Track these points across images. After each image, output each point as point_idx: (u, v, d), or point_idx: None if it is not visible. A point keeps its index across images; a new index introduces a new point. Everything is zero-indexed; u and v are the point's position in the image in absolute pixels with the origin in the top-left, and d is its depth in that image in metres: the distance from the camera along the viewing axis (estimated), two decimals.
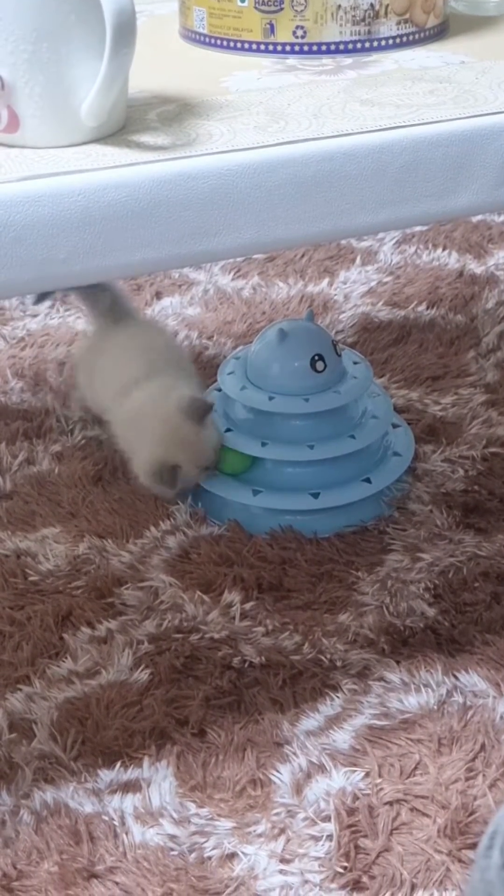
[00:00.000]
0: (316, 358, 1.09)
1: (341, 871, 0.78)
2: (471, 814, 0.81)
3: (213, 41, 0.85)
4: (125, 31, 0.62)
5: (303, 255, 1.62)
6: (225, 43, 0.84)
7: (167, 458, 1.07)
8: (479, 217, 1.69)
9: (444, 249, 1.63)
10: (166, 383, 1.12)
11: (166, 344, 1.22)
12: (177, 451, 1.08)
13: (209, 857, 0.79)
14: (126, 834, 0.81)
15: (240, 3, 0.82)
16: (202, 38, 0.85)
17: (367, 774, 0.85)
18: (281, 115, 0.71)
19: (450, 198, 0.72)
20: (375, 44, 0.83)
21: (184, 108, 0.73)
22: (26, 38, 0.62)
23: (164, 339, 1.23)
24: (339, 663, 0.95)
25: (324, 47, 0.82)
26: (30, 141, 0.66)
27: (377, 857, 0.79)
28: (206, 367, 1.35)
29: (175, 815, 0.82)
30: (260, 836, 0.81)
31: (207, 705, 0.91)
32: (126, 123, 0.70)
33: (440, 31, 0.87)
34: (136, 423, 1.11)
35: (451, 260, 1.61)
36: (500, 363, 1.35)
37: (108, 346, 1.19)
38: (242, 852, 0.80)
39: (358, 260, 1.61)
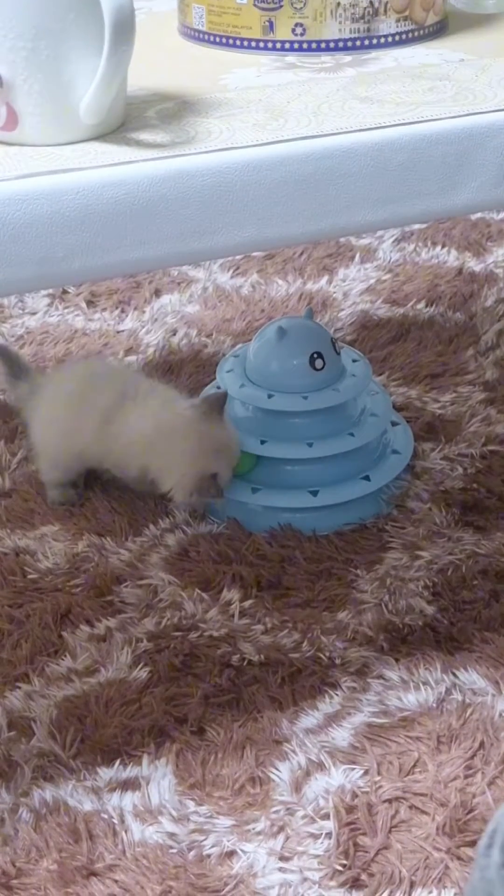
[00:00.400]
0: (315, 356, 1.09)
1: (340, 868, 0.78)
2: (469, 811, 0.81)
3: (212, 38, 0.84)
4: (124, 28, 0.62)
5: (302, 253, 1.62)
6: (224, 40, 0.84)
7: (206, 469, 1.04)
8: (479, 215, 1.69)
9: (443, 247, 1.63)
10: (158, 399, 1.09)
11: (113, 371, 1.19)
12: (213, 458, 1.05)
13: (208, 855, 0.80)
14: (125, 832, 0.81)
15: (239, 1, 0.82)
16: (201, 36, 0.85)
17: (366, 772, 0.85)
18: (280, 112, 0.71)
19: (449, 195, 0.72)
20: (375, 41, 0.83)
21: (183, 105, 0.73)
22: (25, 35, 0.62)
23: (105, 369, 1.20)
24: (338, 661, 0.95)
25: (323, 45, 0.82)
26: (28, 138, 0.66)
27: (376, 854, 0.79)
28: (204, 365, 1.35)
29: (174, 813, 0.82)
30: (259, 833, 0.81)
31: (206, 703, 0.91)
32: (125, 121, 0.70)
33: (439, 29, 0.87)
34: (154, 448, 1.07)
35: (450, 258, 1.61)
36: (498, 361, 1.35)
37: (56, 396, 1.13)
38: (241, 850, 0.80)
39: (357, 257, 1.61)
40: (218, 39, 0.84)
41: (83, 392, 1.11)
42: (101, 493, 1.15)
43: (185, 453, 1.06)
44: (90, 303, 1.52)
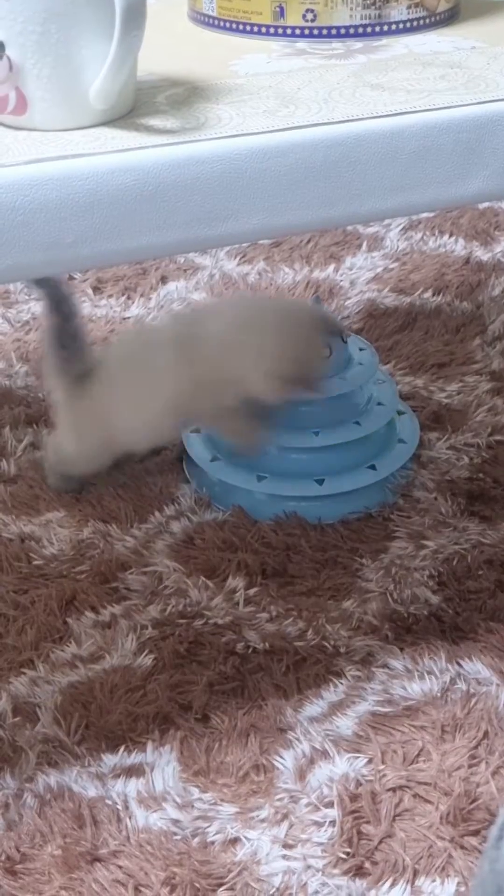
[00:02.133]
0: None
1: (344, 856, 0.78)
2: (473, 801, 0.81)
3: (222, 24, 0.84)
4: (135, 13, 0.61)
5: (309, 241, 1.61)
6: (234, 26, 0.83)
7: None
8: (486, 204, 1.68)
9: (450, 236, 1.62)
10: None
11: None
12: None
13: (212, 842, 0.80)
14: (129, 818, 0.81)
15: None
16: (211, 21, 0.85)
17: (370, 761, 0.85)
18: (290, 99, 0.71)
19: (460, 184, 0.72)
20: (386, 28, 0.82)
21: (192, 91, 0.72)
22: (35, 18, 0.62)
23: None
24: (342, 650, 0.95)
25: (334, 31, 0.81)
26: (38, 123, 0.65)
27: (380, 843, 0.79)
28: None
29: (178, 800, 0.82)
30: (263, 821, 0.81)
31: (211, 691, 0.91)
32: (135, 106, 0.69)
33: (451, 16, 0.86)
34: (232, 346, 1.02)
35: (457, 247, 1.60)
36: None
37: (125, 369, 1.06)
38: (245, 837, 0.80)
39: (364, 246, 1.60)
40: (228, 25, 0.84)
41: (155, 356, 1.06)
42: (106, 479, 1.15)
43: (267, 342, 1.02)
44: (96, 289, 1.52)
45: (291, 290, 1.50)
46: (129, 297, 1.50)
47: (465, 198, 0.73)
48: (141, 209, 0.64)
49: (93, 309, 1.48)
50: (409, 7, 0.82)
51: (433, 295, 1.47)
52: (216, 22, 0.84)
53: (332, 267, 1.55)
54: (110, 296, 1.50)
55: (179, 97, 0.71)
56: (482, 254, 1.58)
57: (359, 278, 1.53)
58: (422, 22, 0.84)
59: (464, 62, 0.77)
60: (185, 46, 0.82)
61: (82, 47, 0.63)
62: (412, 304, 1.46)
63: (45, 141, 0.64)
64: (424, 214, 1.65)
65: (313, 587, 1.02)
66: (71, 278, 1.54)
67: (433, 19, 0.84)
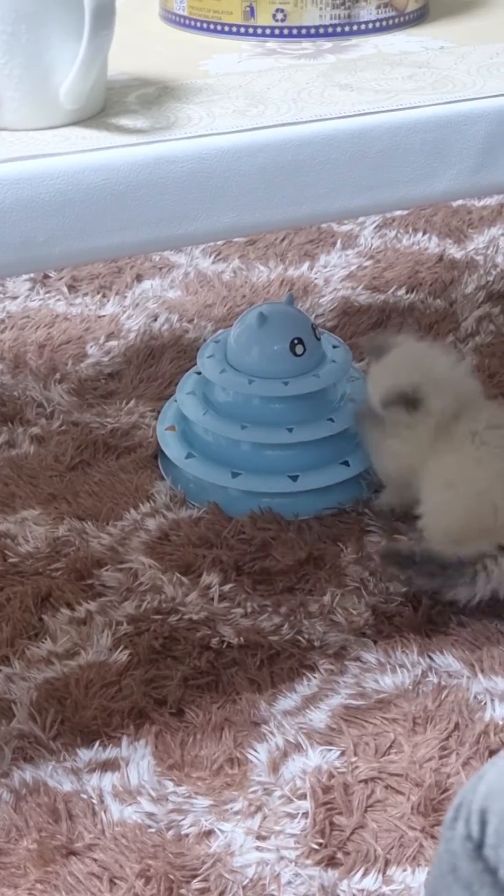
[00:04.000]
0: (295, 341, 1.10)
1: (316, 847, 0.79)
2: (444, 791, 0.82)
3: (193, 23, 0.85)
4: (104, 13, 0.62)
5: (283, 239, 1.62)
6: (205, 25, 0.84)
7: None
8: (460, 202, 1.70)
9: (424, 234, 1.64)
10: None
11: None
12: None
13: (186, 835, 0.80)
14: (104, 812, 0.82)
15: None
16: (182, 21, 0.85)
17: (343, 753, 0.86)
18: (260, 99, 0.72)
19: (428, 183, 0.73)
20: (355, 28, 0.83)
21: (163, 90, 0.73)
22: (5, 18, 0.62)
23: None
24: (316, 643, 0.96)
25: (304, 31, 0.82)
26: (8, 123, 0.66)
27: (352, 833, 0.80)
28: (186, 351, 1.36)
29: (153, 793, 0.83)
30: (237, 813, 0.82)
31: (185, 685, 0.92)
32: (105, 106, 0.70)
33: (420, 15, 0.87)
34: None
35: (431, 244, 1.61)
36: (478, 348, 1.36)
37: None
38: (219, 829, 0.81)
39: (338, 244, 1.61)
40: (199, 24, 0.84)
41: None
42: (81, 477, 1.16)
43: None
44: (71, 287, 1.52)
45: (266, 288, 1.51)
46: (104, 296, 1.50)
47: (433, 196, 0.74)
48: (112, 208, 0.65)
49: (68, 307, 1.48)
50: (377, 7, 0.83)
51: (407, 292, 1.49)
52: (187, 21, 0.85)
53: (306, 265, 1.56)
54: (86, 294, 1.51)
55: (150, 97, 0.72)
56: (455, 251, 1.59)
57: (333, 276, 1.54)
58: (391, 22, 0.84)
59: (432, 62, 0.78)
60: (156, 46, 0.83)
61: (52, 47, 0.64)
62: (386, 302, 1.47)
63: (15, 140, 0.65)
64: (398, 212, 1.66)
65: (288, 582, 1.02)
66: (46, 276, 1.54)
67: (402, 19, 0.85)
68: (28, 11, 0.63)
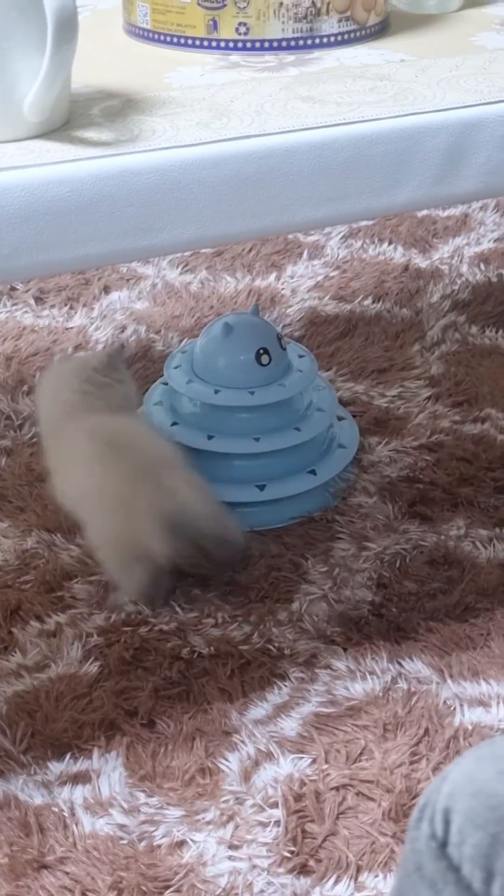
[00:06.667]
0: (261, 351, 1.10)
1: (288, 855, 0.79)
2: (415, 797, 0.83)
3: (156, 37, 0.85)
4: (66, 26, 0.62)
5: (250, 250, 1.63)
6: (168, 39, 0.84)
7: None
8: (425, 212, 1.71)
9: (389, 244, 1.65)
10: None
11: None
12: None
13: (159, 846, 0.80)
14: (76, 824, 0.82)
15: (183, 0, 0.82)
16: (146, 34, 0.86)
17: (314, 761, 0.86)
18: (224, 111, 0.72)
19: (390, 193, 0.74)
20: (317, 41, 0.84)
21: (127, 103, 0.73)
22: None
23: None
24: (287, 652, 0.96)
25: (266, 44, 0.83)
26: None
27: (323, 841, 0.81)
28: (154, 362, 1.36)
29: (125, 805, 0.83)
30: (209, 823, 0.82)
31: (157, 696, 0.92)
32: (69, 119, 0.70)
33: (381, 29, 0.88)
34: None
35: (396, 254, 1.63)
36: (444, 356, 1.38)
37: None
38: (192, 839, 0.81)
39: (305, 254, 1.62)
40: (162, 38, 0.85)
41: None
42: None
43: None
44: (38, 299, 1.52)
45: (234, 299, 1.52)
46: (71, 308, 1.50)
47: (396, 206, 0.75)
48: (76, 220, 0.65)
49: (35, 319, 1.48)
50: (339, 20, 0.84)
51: (373, 302, 1.50)
52: (151, 35, 0.85)
53: (273, 275, 1.57)
54: (52, 306, 1.51)
55: (114, 109, 0.72)
56: (421, 261, 1.61)
57: (300, 286, 1.54)
58: (352, 35, 0.85)
59: (393, 75, 0.79)
60: (120, 59, 0.83)
61: (15, 61, 0.64)
62: (352, 312, 1.48)
63: None
64: (364, 223, 1.68)
65: (258, 591, 1.03)
66: (13, 288, 1.54)
67: (363, 32, 0.86)
68: None
